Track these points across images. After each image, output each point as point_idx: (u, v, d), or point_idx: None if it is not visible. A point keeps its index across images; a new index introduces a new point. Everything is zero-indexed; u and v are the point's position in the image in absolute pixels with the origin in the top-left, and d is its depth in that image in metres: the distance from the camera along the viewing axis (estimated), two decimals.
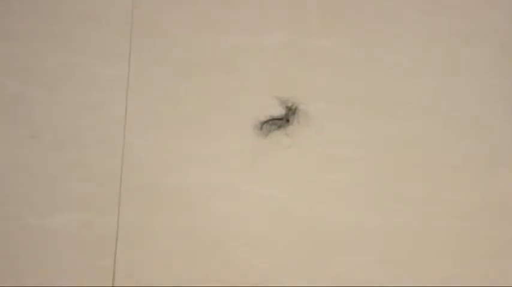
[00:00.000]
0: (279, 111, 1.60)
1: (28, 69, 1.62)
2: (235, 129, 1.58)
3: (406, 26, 1.70)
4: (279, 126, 1.59)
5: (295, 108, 1.61)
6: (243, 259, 1.39)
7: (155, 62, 1.64)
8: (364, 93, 1.63)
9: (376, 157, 1.55)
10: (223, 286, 1.37)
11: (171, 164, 1.52)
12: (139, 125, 1.56)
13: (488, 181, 1.50)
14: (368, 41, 1.70)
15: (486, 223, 1.45)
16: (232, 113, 1.60)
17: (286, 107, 1.61)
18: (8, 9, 1.70)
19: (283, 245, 1.43)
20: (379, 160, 1.54)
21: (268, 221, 1.46)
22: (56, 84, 1.60)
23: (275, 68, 1.66)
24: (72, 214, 1.44)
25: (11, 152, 1.51)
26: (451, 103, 1.65)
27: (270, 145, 1.56)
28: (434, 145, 1.61)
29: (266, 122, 1.59)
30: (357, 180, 1.52)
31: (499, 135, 1.59)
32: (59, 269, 1.37)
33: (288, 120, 1.59)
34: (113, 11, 1.70)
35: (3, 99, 1.56)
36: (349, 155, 1.54)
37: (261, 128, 1.59)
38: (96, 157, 1.52)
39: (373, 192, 1.50)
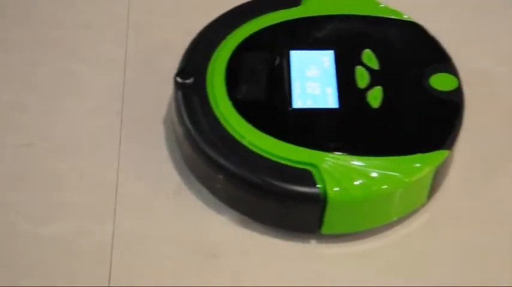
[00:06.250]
0: None
1: (22, 77, 1.62)
2: None
3: None
4: None
5: None
6: (238, 265, 1.39)
7: (151, 69, 1.64)
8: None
9: None
10: None
11: (167, 171, 1.51)
12: (135, 133, 1.56)
13: (486, 184, 1.49)
14: None
15: (484, 228, 1.44)
16: None
17: None
18: (1, 17, 1.70)
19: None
20: None
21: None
22: (50, 92, 1.60)
23: None
24: (67, 222, 1.43)
25: (6, 160, 1.50)
26: None
27: None
28: None
29: None
30: None
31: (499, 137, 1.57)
32: (54, 277, 1.36)
33: None
34: (108, 18, 1.70)
35: None
36: None
37: None
38: (92, 164, 1.51)
39: None
